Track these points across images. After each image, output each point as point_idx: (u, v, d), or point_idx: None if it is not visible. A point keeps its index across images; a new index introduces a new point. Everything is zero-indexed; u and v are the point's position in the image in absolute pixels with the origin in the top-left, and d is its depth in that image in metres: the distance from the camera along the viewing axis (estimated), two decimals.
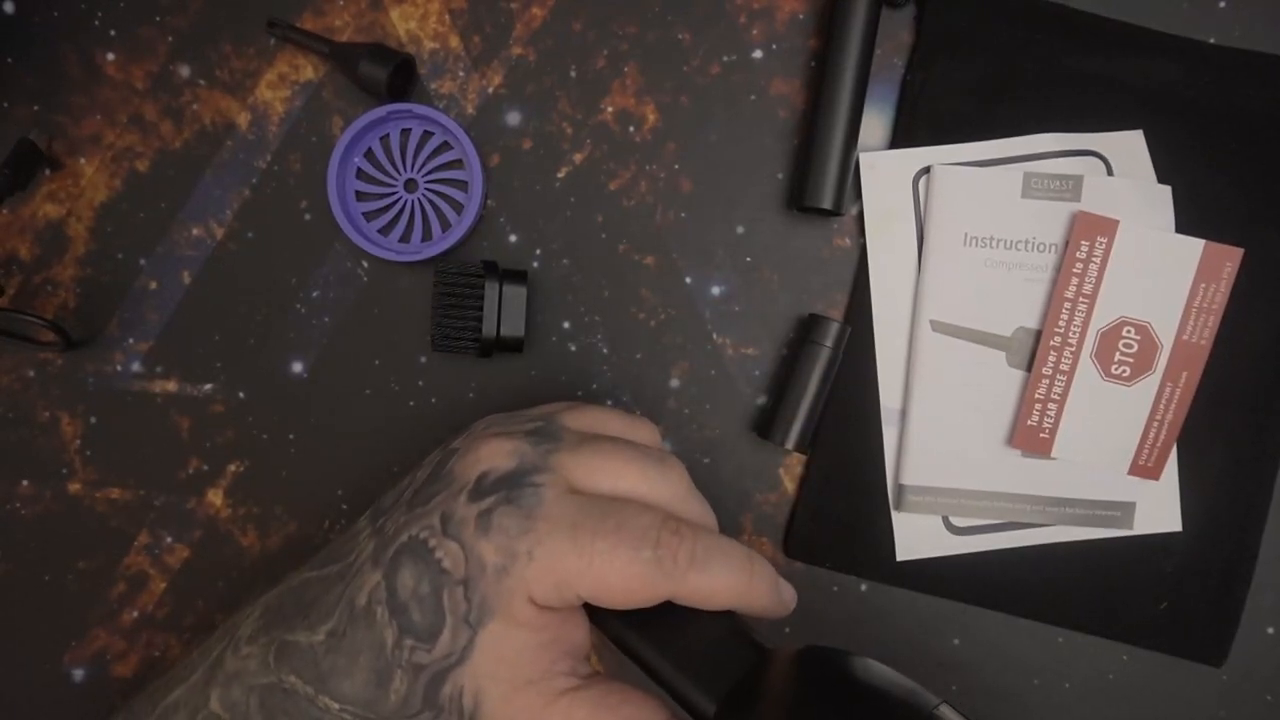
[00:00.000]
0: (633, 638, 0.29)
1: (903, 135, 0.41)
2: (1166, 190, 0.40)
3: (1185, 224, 0.40)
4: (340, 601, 0.29)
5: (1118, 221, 0.39)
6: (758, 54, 0.42)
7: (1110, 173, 0.41)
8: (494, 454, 0.30)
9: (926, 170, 0.41)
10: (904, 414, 0.41)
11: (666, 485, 0.31)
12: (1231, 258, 0.39)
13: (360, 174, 0.42)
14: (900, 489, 0.41)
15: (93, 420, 0.43)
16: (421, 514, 0.29)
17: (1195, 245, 0.39)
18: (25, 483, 0.43)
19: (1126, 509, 0.41)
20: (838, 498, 0.41)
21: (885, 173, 0.41)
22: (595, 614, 0.30)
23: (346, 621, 0.29)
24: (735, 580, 0.29)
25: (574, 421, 0.32)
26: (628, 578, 0.28)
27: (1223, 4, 0.41)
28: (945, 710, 0.25)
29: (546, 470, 0.29)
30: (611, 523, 0.28)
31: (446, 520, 0.29)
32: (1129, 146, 0.41)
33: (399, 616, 0.28)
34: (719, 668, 0.28)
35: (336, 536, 0.33)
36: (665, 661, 0.29)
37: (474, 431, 0.32)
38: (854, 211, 0.42)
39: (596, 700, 0.28)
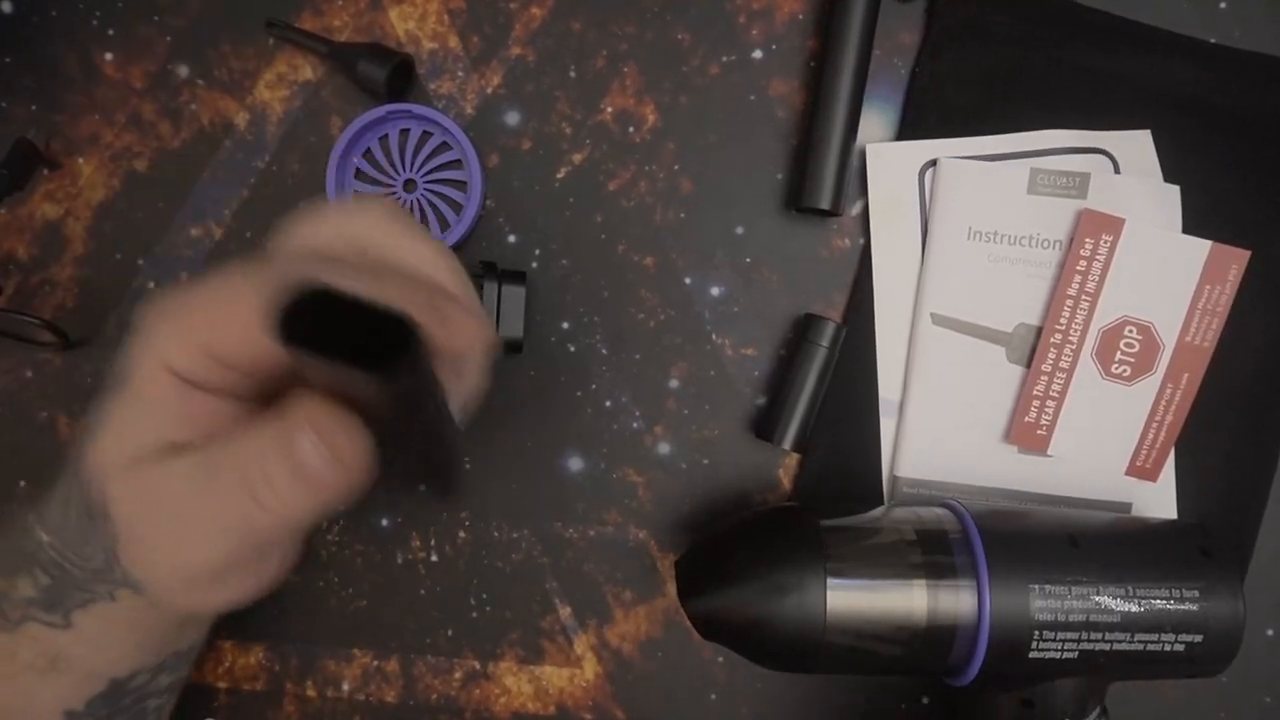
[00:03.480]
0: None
1: (910, 127, 0.41)
2: (1174, 190, 0.40)
3: (1192, 224, 0.40)
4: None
5: (1123, 220, 0.39)
6: (757, 54, 0.42)
7: (1117, 171, 0.41)
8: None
9: (933, 163, 0.41)
10: (902, 407, 0.41)
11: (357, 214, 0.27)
12: (1238, 260, 0.39)
13: (359, 174, 0.42)
14: (895, 481, 0.41)
15: None
16: None
17: (1202, 246, 0.39)
18: (23, 483, 0.43)
19: (1122, 509, 0.41)
20: (833, 489, 0.41)
21: (891, 164, 0.41)
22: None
23: (68, 454, 0.28)
24: (328, 219, 0.26)
25: None
26: (218, 286, 0.24)
27: (1223, 4, 0.41)
28: None
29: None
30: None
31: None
32: (1137, 145, 0.41)
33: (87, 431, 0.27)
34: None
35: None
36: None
37: None
38: (853, 212, 0.42)
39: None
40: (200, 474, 0.24)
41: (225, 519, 0.25)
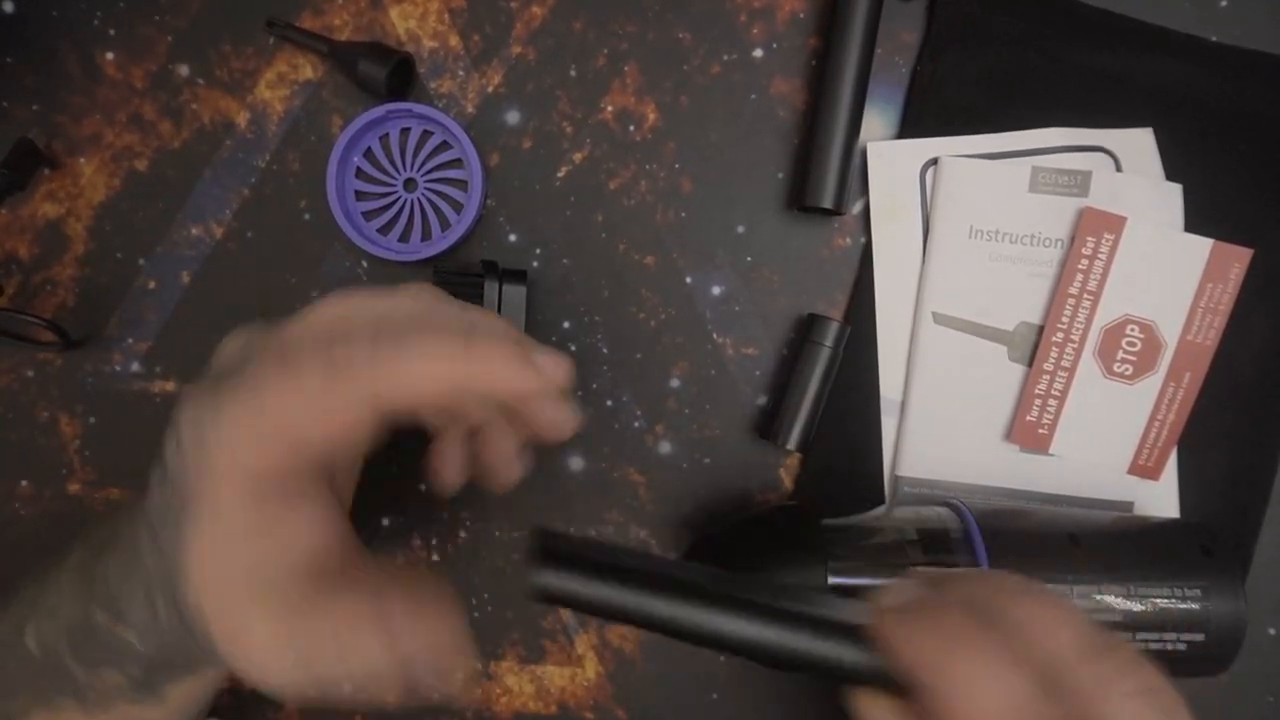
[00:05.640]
0: None
1: (911, 125, 0.41)
2: (1176, 188, 0.40)
3: (1193, 223, 0.40)
4: (129, 526, 0.28)
5: (1125, 218, 0.39)
6: (758, 53, 0.42)
7: (1119, 169, 0.40)
8: (226, 343, 0.27)
9: (934, 162, 0.41)
10: (903, 406, 0.41)
11: (409, 296, 0.27)
12: (1240, 258, 0.39)
13: (360, 173, 0.42)
14: (897, 481, 0.41)
15: (92, 420, 0.43)
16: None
17: (1204, 245, 0.39)
18: (24, 483, 0.43)
19: (1124, 509, 0.41)
20: (834, 488, 0.41)
21: (893, 162, 0.41)
22: None
23: (129, 547, 0.27)
24: (439, 356, 0.24)
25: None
26: (307, 399, 0.23)
27: (1224, 3, 0.41)
28: None
29: (266, 335, 0.26)
30: (274, 353, 0.24)
31: (180, 403, 0.25)
32: (1138, 143, 0.40)
33: (152, 514, 0.26)
34: None
35: None
36: None
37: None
38: (854, 211, 0.42)
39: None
40: (296, 625, 0.24)
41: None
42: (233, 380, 0.24)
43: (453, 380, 0.24)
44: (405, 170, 0.42)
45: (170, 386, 0.43)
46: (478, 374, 0.24)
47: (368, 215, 0.42)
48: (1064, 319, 0.40)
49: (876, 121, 0.42)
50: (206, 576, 0.24)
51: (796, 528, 0.35)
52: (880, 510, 0.36)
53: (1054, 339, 0.40)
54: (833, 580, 0.33)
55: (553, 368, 0.26)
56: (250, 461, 0.24)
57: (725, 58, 0.42)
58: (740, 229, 0.42)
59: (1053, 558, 0.33)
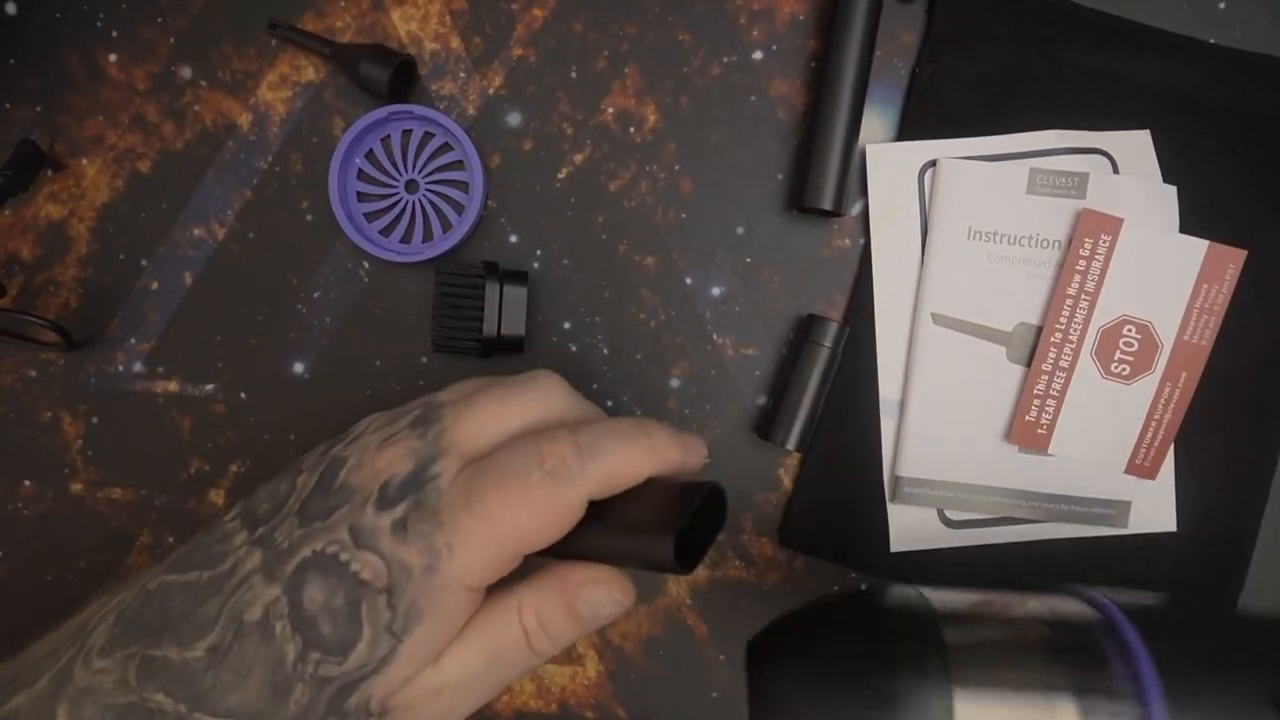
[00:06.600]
0: (578, 544, 0.29)
1: (910, 127, 0.41)
2: (1171, 190, 0.40)
3: (1189, 224, 0.40)
4: (222, 615, 0.28)
5: (1122, 220, 0.39)
6: (758, 55, 0.42)
7: (1116, 171, 0.41)
8: (390, 461, 0.29)
9: (933, 163, 0.41)
10: (902, 406, 0.41)
11: (543, 400, 0.31)
12: (1235, 259, 0.39)
13: (361, 175, 0.42)
14: (896, 481, 0.41)
15: (94, 420, 0.43)
16: (323, 529, 0.29)
17: (1199, 246, 0.39)
18: (27, 483, 0.43)
19: (1122, 508, 0.41)
20: (834, 488, 0.41)
21: (891, 164, 0.41)
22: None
23: (233, 636, 0.28)
24: (635, 451, 0.28)
25: (447, 395, 0.32)
26: (535, 512, 0.27)
27: (1222, 4, 0.41)
28: None
29: (441, 456, 0.29)
30: (492, 475, 0.28)
31: (357, 533, 0.28)
32: (1135, 145, 0.41)
33: (305, 631, 0.27)
34: (666, 518, 0.28)
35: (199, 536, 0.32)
36: (614, 540, 0.29)
37: (358, 435, 0.31)
38: (854, 211, 0.42)
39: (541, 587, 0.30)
40: (490, 667, 0.29)
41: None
42: (455, 512, 0.28)
43: (647, 469, 0.29)
44: (407, 172, 0.42)
45: (173, 386, 0.43)
46: (662, 462, 0.29)
47: (369, 216, 0.42)
48: (1062, 320, 0.40)
49: (876, 123, 0.42)
50: (402, 680, 0.28)
51: (908, 622, 0.26)
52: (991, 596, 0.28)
53: (1052, 339, 0.40)
54: (960, 694, 0.25)
55: (699, 445, 0.32)
56: (485, 577, 0.28)
57: (725, 59, 0.42)
58: (740, 230, 0.42)
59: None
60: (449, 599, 0.28)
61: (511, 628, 0.29)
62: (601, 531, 0.29)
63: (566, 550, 0.29)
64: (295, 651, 0.27)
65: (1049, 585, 0.31)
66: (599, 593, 0.29)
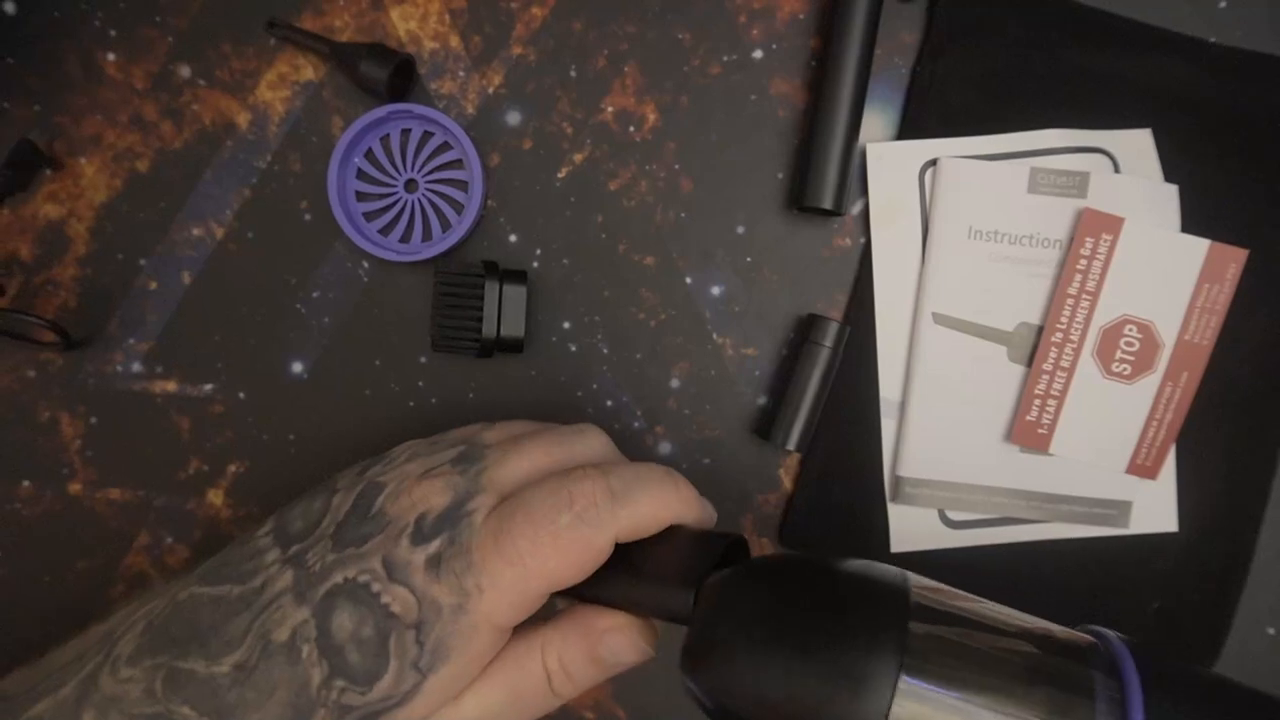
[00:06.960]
0: (599, 588, 0.29)
1: (911, 126, 0.41)
2: (1173, 189, 0.40)
3: (1191, 224, 0.40)
4: (250, 633, 0.28)
5: (1123, 219, 0.39)
6: (758, 54, 0.42)
7: (1117, 170, 0.41)
8: (428, 494, 0.29)
9: (933, 162, 0.41)
10: (903, 406, 0.41)
11: (588, 456, 0.31)
12: (1236, 259, 0.39)
13: (360, 174, 0.42)
14: (897, 481, 0.41)
15: (93, 420, 0.43)
16: (356, 556, 0.29)
17: (1200, 245, 0.39)
18: (26, 483, 0.43)
19: (1123, 508, 0.41)
20: (834, 488, 0.41)
21: (892, 163, 0.41)
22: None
23: (259, 655, 0.28)
24: (664, 497, 0.29)
25: (493, 435, 0.32)
26: (565, 554, 0.27)
27: (1223, 4, 0.41)
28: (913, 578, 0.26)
29: (478, 493, 0.29)
30: (520, 515, 0.28)
31: (390, 565, 0.28)
32: (1137, 144, 0.41)
33: (331, 657, 0.27)
34: (688, 567, 0.28)
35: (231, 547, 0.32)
36: (639, 587, 0.29)
37: (395, 460, 0.32)
38: (854, 211, 0.42)
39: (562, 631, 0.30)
40: (510, 707, 0.29)
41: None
42: (485, 552, 0.28)
43: (673, 517, 0.29)
44: (406, 171, 0.42)
45: (171, 387, 0.43)
46: (685, 512, 0.30)
47: (369, 216, 0.42)
48: (1063, 319, 0.40)
49: (876, 122, 0.42)
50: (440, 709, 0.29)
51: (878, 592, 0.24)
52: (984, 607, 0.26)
53: (1053, 339, 0.40)
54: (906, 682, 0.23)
55: (710, 506, 0.32)
56: (514, 618, 0.28)
57: (725, 58, 0.42)
58: (740, 229, 0.42)
59: None
60: (476, 639, 0.28)
61: (534, 669, 0.29)
62: (624, 577, 0.29)
63: (588, 591, 0.29)
64: (320, 677, 0.27)
65: (1065, 618, 0.29)
66: (622, 640, 0.30)
